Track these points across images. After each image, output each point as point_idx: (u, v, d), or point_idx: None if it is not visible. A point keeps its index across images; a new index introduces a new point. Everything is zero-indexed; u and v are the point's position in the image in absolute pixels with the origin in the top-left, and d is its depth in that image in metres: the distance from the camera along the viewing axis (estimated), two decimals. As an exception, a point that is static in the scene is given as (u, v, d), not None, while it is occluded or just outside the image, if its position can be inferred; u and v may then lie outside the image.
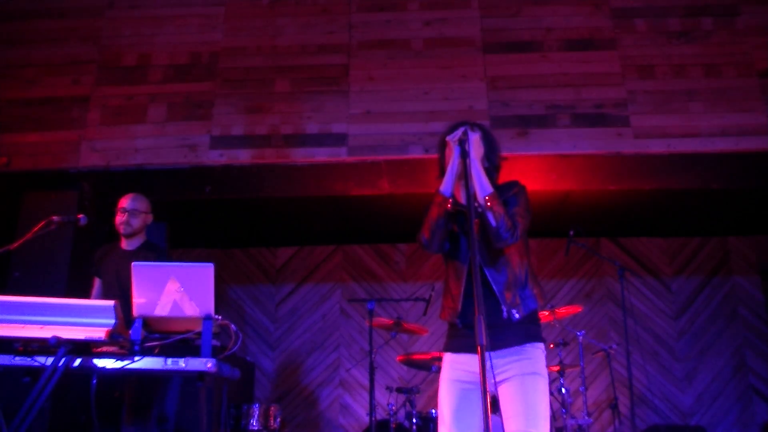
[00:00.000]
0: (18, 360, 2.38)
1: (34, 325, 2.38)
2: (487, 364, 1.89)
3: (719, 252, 6.63)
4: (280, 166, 4.53)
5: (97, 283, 3.65)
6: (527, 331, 2.26)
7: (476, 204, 2.22)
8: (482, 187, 2.26)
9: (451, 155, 2.33)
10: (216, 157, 4.50)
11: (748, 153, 4.36)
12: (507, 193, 2.38)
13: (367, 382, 5.87)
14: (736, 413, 6.16)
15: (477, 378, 2.09)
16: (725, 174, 4.69)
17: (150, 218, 3.72)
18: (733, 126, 4.39)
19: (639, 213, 6.12)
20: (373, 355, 4.65)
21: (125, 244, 3.65)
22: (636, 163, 4.51)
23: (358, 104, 4.59)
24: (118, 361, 2.41)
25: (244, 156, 4.50)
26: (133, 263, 2.53)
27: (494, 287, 2.26)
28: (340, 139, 4.50)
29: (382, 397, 5.33)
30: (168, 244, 5.35)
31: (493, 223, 2.22)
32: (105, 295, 3.57)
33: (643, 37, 4.65)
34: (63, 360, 2.34)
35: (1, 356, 2.38)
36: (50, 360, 2.34)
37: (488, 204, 2.23)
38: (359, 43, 4.76)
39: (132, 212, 3.61)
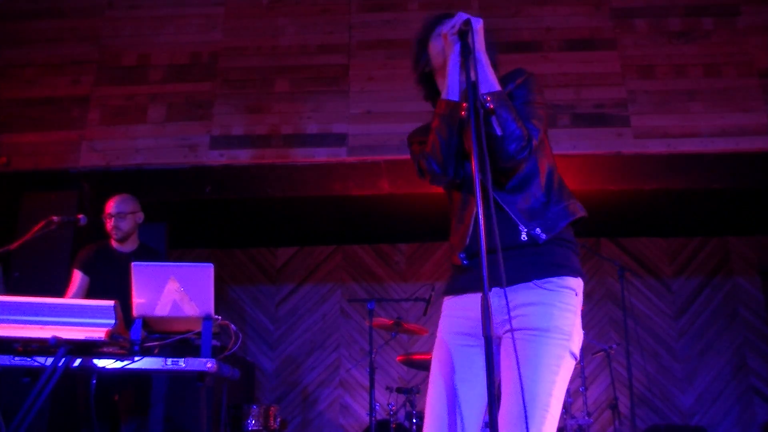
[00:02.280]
0: (18, 360, 2.38)
1: (34, 325, 2.37)
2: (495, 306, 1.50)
3: (719, 252, 6.63)
4: (280, 166, 4.52)
5: (79, 277, 3.52)
6: (554, 259, 1.68)
7: (483, 100, 1.71)
8: (489, 85, 1.73)
9: (449, 51, 1.77)
10: (216, 157, 4.50)
11: (748, 153, 4.36)
12: (510, 84, 1.82)
13: (367, 382, 5.85)
14: (737, 413, 6.15)
15: (480, 329, 1.62)
16: (725, 174, 4.69)
17: (140, 216, 3.63)
18: (733, 126, 4.38)
19: (639, 213, 6.11)
20: (373, 355, 4.64)
21: (120, 246, 3.60)
22: (636, 163, 4.50)
23: (358, 104, 4.59)
24: (118, 361, 2.41)
25: (244, 156, 4.50)
26: (132, 263, 2.54)
27: (507, 209, 1.72)
28: (340, 139, 4.50)
29: (382, 397, 5.32)
30: (168, 244, 5.35)
31: (498, 131, 1.69)
32: (92, 296, 3.51)
33: (643, 37, 4.65)
34: (63, 360, 2.34)
35: (1, 356, 2.37)
36: (50, 360, 2.34)
37: (491, 106, 1.70)
38: (359, 43, 4.76)
39: (118, 216, 3.53)
